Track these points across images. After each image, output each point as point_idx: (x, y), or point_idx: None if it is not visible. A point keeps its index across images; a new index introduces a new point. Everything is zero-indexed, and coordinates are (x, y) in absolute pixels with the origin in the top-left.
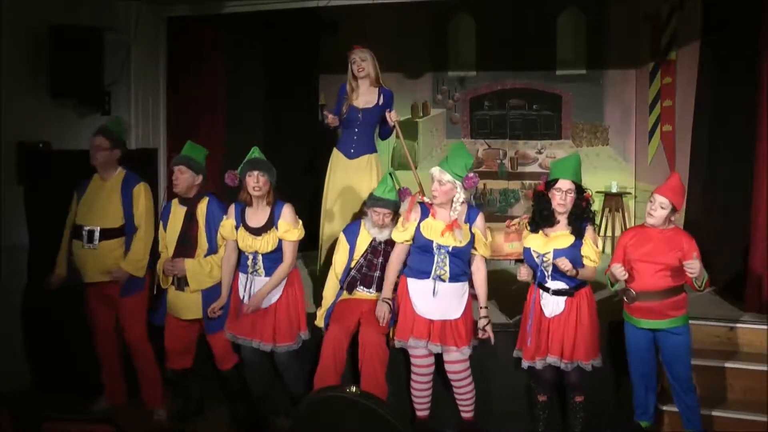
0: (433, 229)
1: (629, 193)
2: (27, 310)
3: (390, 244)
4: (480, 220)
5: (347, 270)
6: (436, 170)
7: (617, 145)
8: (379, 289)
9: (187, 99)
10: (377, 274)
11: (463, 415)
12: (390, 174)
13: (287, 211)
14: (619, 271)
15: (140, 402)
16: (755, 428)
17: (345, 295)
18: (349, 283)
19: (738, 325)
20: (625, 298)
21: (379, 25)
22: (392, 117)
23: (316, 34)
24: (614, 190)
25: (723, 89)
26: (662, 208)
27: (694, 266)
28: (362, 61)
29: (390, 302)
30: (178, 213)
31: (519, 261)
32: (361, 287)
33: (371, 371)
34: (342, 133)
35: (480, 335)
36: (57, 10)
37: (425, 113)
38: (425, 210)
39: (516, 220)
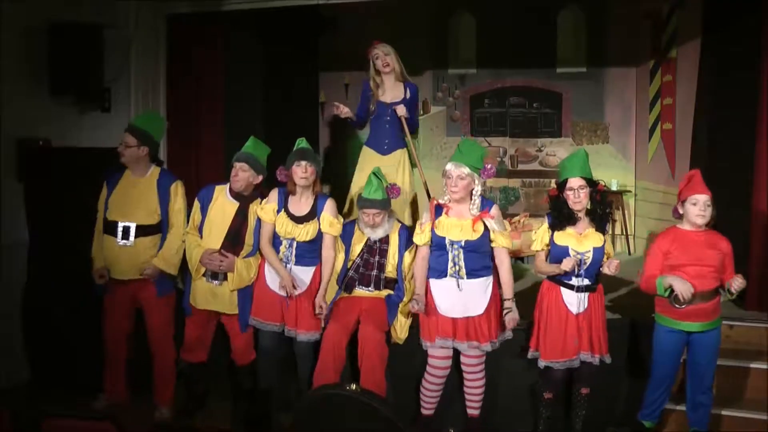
0: (446, 226)
1: (629, 191)
2: (27, 307)
3: (385, 242)
4: (495, 209)
5: (344, 270)
6: (451, 166)
7: (617, 143)
8: (377, 287)
9: (186, 96)
10: (374, 272)
11: (470, 411)
12: (375, 174)
13: (331, 205)
14: (686, 288)
15: (142, 399)
16: (756, 426)
17: (343, 293)
18: (347, 283)
19: (739, 323)
20: (675, 304)
21: (379, 23)
22: (398, 112)
23: (316, 32)
24: (614, 189)
25: (723, 87)
26: (709, 205)
27: (737, 284)
28: (386, 56)
29: (420, 299)
30: (227, 206)
31: (520, 259)
32: (360, 286)
33: (370, 368)
34: (372, 130)
35: (507, 326)
36: (57, 7)
37: (425, 111)
38: (439, 210)
39: (517, 218)
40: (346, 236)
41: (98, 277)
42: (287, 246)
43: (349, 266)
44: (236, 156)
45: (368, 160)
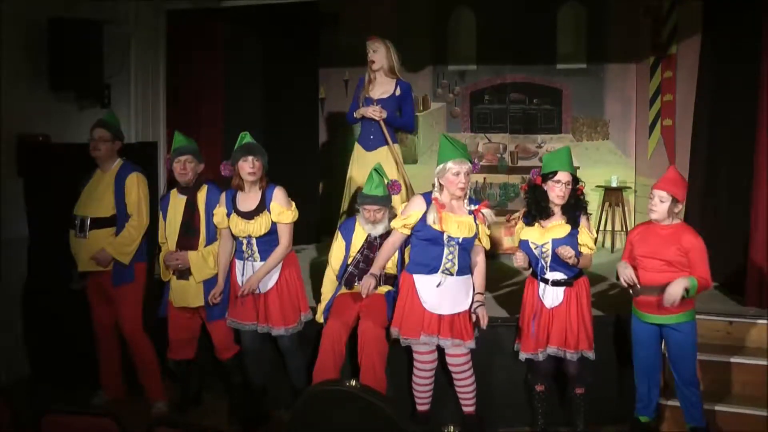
0: (447, 222)
1: (629, 188)
2: (26, 303)
3: (385, 238)
4: (485, 207)
5: (344, 266)
6: (455, 164)
7: (617, 139)
8: (377, 283)
9: (186, 92)
10: None
11: (464, 409)
12: (376, 170)
13: (279, 194)
14: (625, 273)
15: (141, 395)
16: (755, 423)
17: (344, 289)
18: (347, 279)
19: (738, 319)
20: (631, 291)
21: (379, 19)
22: (367, 113)
23: (316, 27)
24: (614, 185)
25: (723, 83)
26: (662, 201)
27: (669, 298)
28: (374, 53)
29: (377, 278)
30: (177, 203)
31: None
32: (360, 282)
33: (370, 364)
34: (361, 126)
35: (473, 319)
36: (56, 3)
37: (425, 107)
38: (429, 201)
39: (516, 215)
40: (347, 232)
41: (80, 280)
42: (246, 244)
43: (349, 262)
44: (177, 152)
45: (358, 157)
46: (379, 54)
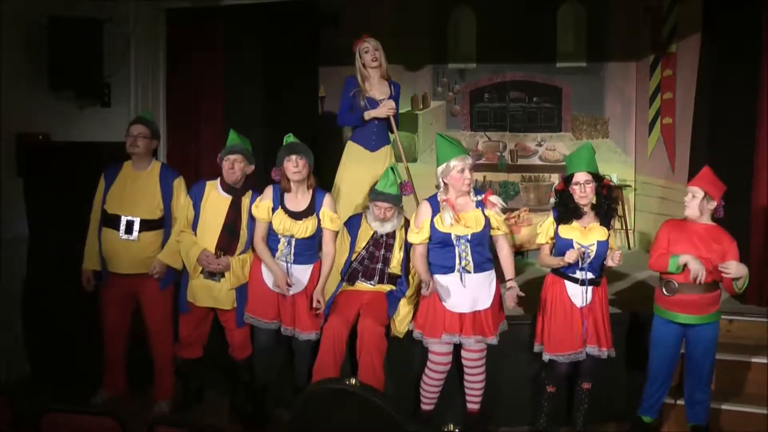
0: (466, 220)
1: (629, 186)
2: (27, 302)
3: (392, 236)
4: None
5: (348, 262)
6: (459, 161)
7: (617, 137)
8: (381, 281)
9: (186, 91)
10: (379, 266)
11: (469, 406)
12: (392, 168)
13: (329, 200)
14: (699, 267)
15: (141, 394)
16: (755, 421)
17: (345, 286)
18: (350, 274)
19: (738, 317)
20: (665, 290)
21: (379, 17)
22: (386, 110)
23: (316, 26)
24: (614, 183)
25: (723, 81)
26: (694, 197)
27: (729, 267)
28: (375, 51)
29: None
30: (220, 201)
31: (520, 253)
32: (362, 279)
33: (369, 362)
34: (361, 126)
35: (508, 303)
36: (56, 2)
37: (425, 105)
38: (435, 205)
39: (516, 213)
40: (353, 228)
41: (85, 281)
42: (285, 244)
43: (353, 258)
44: (228, 149)
45: (354, 156)
46: (380, 52)
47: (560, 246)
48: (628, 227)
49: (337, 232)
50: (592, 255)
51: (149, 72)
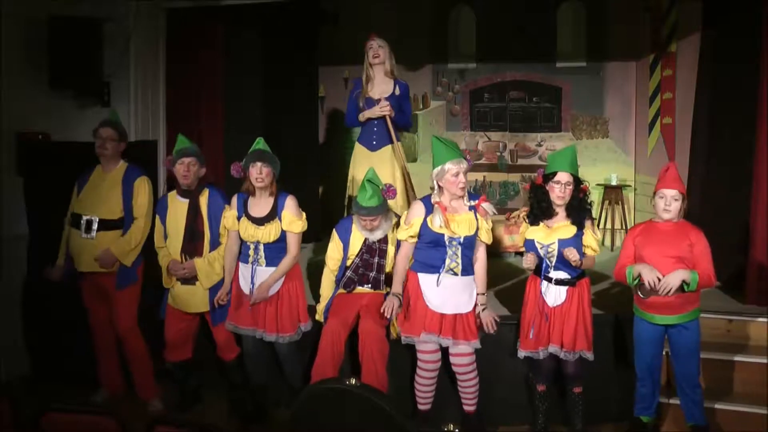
0: (452, 222)
1: (629, 186)
2: (27, 300)
3: (385, 242)
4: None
5: (342, 268)
6: (454, 164)
7: (617, 137)
8: (376, 287)
9: (186, 91)
10: (373, 274)
11: (466, 408)
12: (369, 180)
13: (291, 203)
14: (653, 275)
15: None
16: (755, 421)
17: (342, 291)
18: (345, 283)
19: (738, 317)
20: (640, 293)
21: (379, 17)
22: (377, 111)
23: (316, 26)
24: (614, 183)
25: (723, 81)
26: (676, 200)
27: (665, 285)
28: (379, 48)
29: (400, 297)
30: (179, 207)
31: (519, 254)
32: (358, 285)
33: (371, 364)
34: (362, 126)
35: (478, 323)
36: (56, 2)
37: (425, 105)
38: (429, 205)
39: (516, 213)
40: (344, 233)
41: (54, 272)
42: (254, 249)
43: (348, 265)
44: (180, 153)
45: (359, 157)
46: (384, 50)
47: (526, 246)
48: (628, 227)
49: (299, 234)
50: (554, 254)
51: (149, 72)
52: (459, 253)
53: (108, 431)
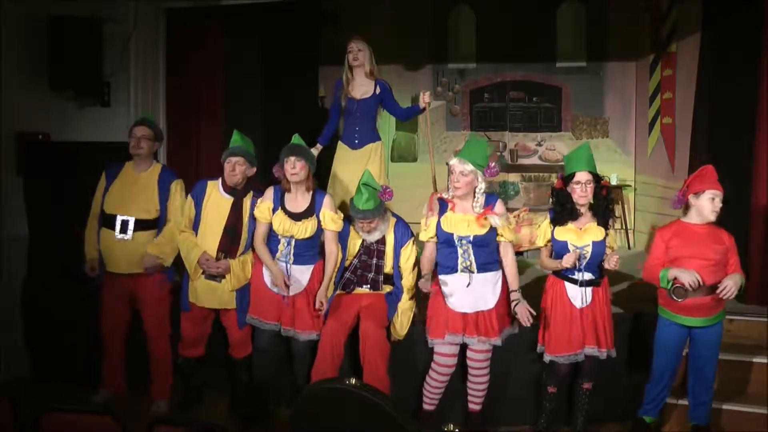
0: (453, 222)
1: (629, 186)
2: (27, 300)
3: (382, 243)
4: (499, 205)
5: (341, 270)
6: (455, 161)
7: (617, 137)
8: (375, 287)
9: (186, 91)
10: (371, 275)
11: (471, 406)
12: (365, 183)
13: (329, 201)
14: (692, 278)
15: (141, 393)
16: (755, 420)
17: (341, 292)
18: (344, 285)
19: (739, 317)
20: (674, 296)
21: (379, 17)
22: (425, 99)
23: (316, 26)
24: (614, 183)
25: (723, 81)
26: (721, 201)
27: (728, 289)
28: (359, 51)
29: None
30: (221, 202)
31: (519, 254)
32: (357, 286)
33: (373, 366)
34: (344, 125)
35: (522, 321)
36: (56, 1)
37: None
38: (444, 205)
39: (516, 212)
40: (342, 235)
41: (90, 269)
42: (285, 244)
43: (346, 266)
44: (230, 151)
45: (340, 155)
46: (364, 53)
47: (557, 248)
48: (628, 227)
49: (338, 233)
50: (588, 256)
51: (149, 72)
52: (470, 251)
53: (108, 431)
